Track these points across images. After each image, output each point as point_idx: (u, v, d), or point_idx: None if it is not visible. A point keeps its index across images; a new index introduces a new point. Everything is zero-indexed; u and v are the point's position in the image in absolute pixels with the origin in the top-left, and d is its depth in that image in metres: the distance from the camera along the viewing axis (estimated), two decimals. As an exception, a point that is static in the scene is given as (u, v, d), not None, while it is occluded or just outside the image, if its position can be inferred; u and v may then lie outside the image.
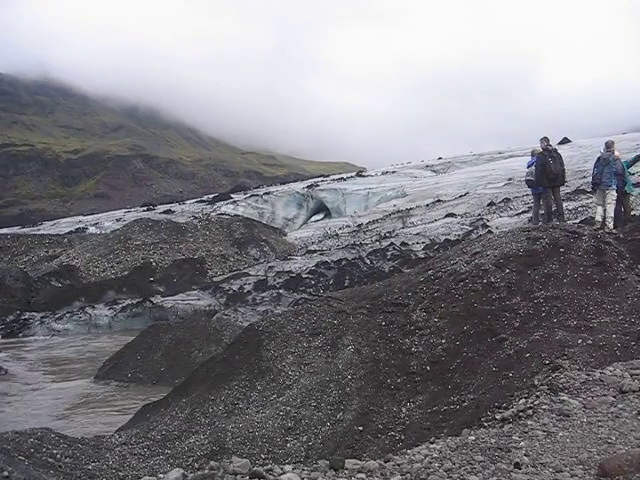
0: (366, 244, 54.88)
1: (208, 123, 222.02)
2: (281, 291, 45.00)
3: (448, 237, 52.59)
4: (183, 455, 15.00)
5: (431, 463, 7.97)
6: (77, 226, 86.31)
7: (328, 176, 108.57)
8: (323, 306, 18.66)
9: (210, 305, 44.40)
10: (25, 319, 44.22)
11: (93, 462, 14.82)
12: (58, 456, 14.51)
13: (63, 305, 46.46)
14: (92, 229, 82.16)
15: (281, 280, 47.42)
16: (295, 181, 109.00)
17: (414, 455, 8.41)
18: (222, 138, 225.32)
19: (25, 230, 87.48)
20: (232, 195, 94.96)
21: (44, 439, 14.97)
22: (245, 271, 52.28)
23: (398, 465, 7.99)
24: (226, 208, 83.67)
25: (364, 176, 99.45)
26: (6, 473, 9.12)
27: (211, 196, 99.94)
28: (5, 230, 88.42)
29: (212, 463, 7.74)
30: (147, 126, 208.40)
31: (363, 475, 7.62)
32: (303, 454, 14.21)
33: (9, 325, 43.64)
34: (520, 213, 55.26)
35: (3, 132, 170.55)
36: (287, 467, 7.74)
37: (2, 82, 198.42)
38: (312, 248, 60.32)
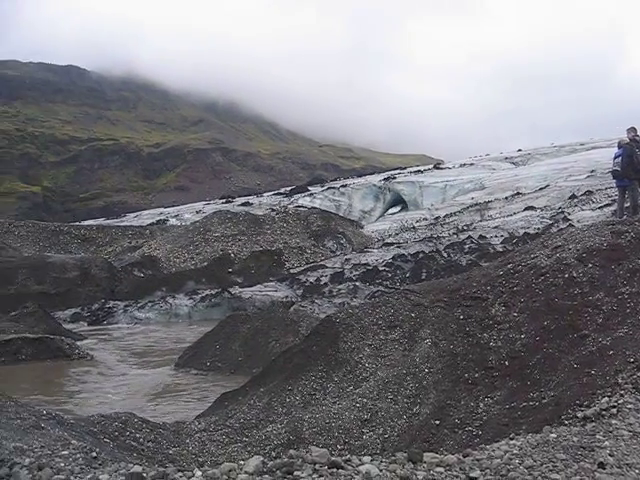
0: (443, 237, 54.32)
1: (286, 117, 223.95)
2: (357, 283, 45.04)
3: (527, 231, 51.52)
4: (260, 443, 15.23)
5: (511, 459, 7.85)
6: (158, 218, 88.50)
7: (405, 168, 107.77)
8: (400, 299, 18.57)
9: (287, 296, 44.84)
10: (109, 307, 45.71)
11: (174, 447, 15.22)
12: (141, 440, 14.96)
13: (145, 294, 47.78)
14: (173, 221, 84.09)
15: (358, 272, 47.45)
16: (372, 174, 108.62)
17: (493, 451, 8.30)
18: (300, 131, 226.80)
19: (109, 222, 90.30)
20: (309, 187, 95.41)
21: (128, 423, 15.46)
22: (322, 263, 52.54)
23: (477, 460, 7.90)
24: (303, 200, 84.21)
25: (441, 168, 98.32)
26: (94, 454, 9.47)
27: (288, 189, 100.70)
28: (91, 222, 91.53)
29: (291, 452, 7.84)
30: (226, 120, 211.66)
31: (442, 469, 7.56)
32: (379, 446, 14.22)
33: (94, 313, 45.21)
34: (603, 206, 53.62)
35: (89, 127, 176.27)
36: (365, 458, 7.76)
37: (89, 79, 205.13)
38: (389, 241, 60.09)
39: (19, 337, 31.11)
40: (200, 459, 14.45)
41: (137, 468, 7.78)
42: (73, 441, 10.20)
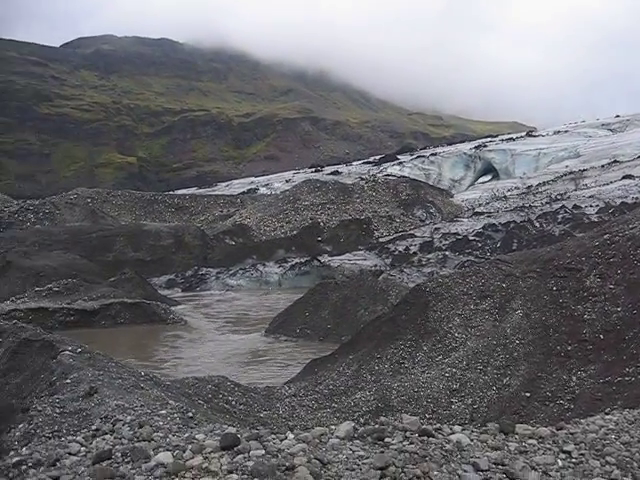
0: (535, 207, 52.97)
1: (375, 85, 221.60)
2: (447, 253, 44.60)
3: (625, 200, 49.61)
4: (349, 410, 15.43)
5: (607, 435, 7.67)
6: (249, 187, 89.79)
7: (496, 136, 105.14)
8: (491, 269, 18.30)
9: (376, 265, 44.86)
10: (202, 274, 46.95)
11: (265, 410, 15.62)
12: (233, 403, 15.43)
13: (236, 262, 48.79)
14: (263, 190, 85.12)
15: (447, 242, 46.95)
16: (462, 142, 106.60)
17: (588, 425, 8.13)
18: (389, 99, 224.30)
19: (202, 191, 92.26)
20: (398, 156, 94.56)
21: (221, 386, 15.96)
22: (411, 232, 52.21)
23: (571, 434, 7.76)
24: (392, 169, 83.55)
25: (534, 136, 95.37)
26: (190, 414, 9.84)
27: (377, 157, 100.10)
28: (184, 191, 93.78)
29: (382, 418, 7.91)
30: (315, 89, 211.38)
31: (534, 441, 7.47)
32: (468, 416, 14.16)
33: (188, 279, 46.55)
34: None
35: (181, 99, 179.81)
36: (456, 427, 7.74)
37: (181, 51, 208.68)
38: (479, 210, 59.07)
39: (118, 302, 32.44)
40: (290, 423, 14.77)
41: (231, 429, 8.03)
42: (170, 401, 10.62)
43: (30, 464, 7.83)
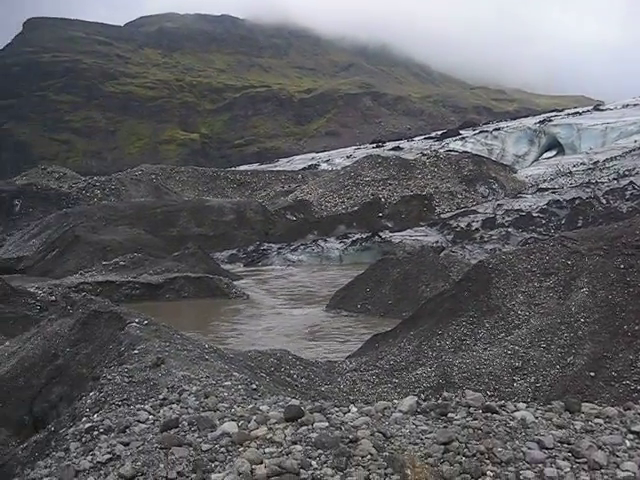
0: (602, 183, 51.58)
1: (437, 58, 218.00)
2: (510, 229, 43.94)
3: (699, 176, 47.93)
4: (410, 385, 15.43)
5: (678, 416, 7.50)
6: (310, 163, 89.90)
7: (562, 110, 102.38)
8: (556, 246, 17.95)
9: (437, 241, 44.54)
10: (264, 249, 47.42)
11: (326, 384, 15.76)
12: (295, 376, 15.61)
13: (297, 237, 49.08)
14: (324, 165, 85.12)
15: (510, 218, 46.22)
16: (526, 116, 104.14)
17: (657, 405, 7.95)
18: (451, 73, 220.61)
19: (263, 167, 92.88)
20: (460, 131, 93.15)
21: (282, 360, 16.16)
22: (473, 208, 51.57)
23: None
24: (454, 145, 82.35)
25: (602, 110, 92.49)
26: (254, 386, 10.02)
27: (439, 132, 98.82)
28: (245, 167, 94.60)
29: (445, 394, 7.91)
30: (376, 64, 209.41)
31: (601, 420, 7.36)
32: (530, 395, 14.00)
33: (250, 255, 47.09)
34: None
35: (243, 75, 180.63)
36: (520, 405, 7.69)
37: (242, 28, 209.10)
38: (543, 186, 57.87)
39: (182, 276, 33.10)
40: (351, 397, 14.86)
41: (295, 401, 8.16)
42: (235, 373, 10.82)
43: (101, 430, 8.13)
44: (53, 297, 26.65)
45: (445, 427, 6.91)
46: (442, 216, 52.57)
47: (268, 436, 6.99)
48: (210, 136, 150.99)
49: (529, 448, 6.68)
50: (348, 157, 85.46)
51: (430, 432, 6.80)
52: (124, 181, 67.44)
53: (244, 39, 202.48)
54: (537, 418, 7.29)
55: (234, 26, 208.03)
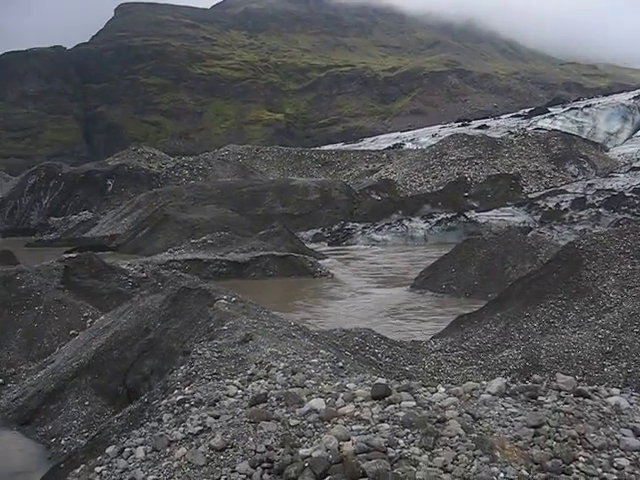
0: None
1: (524, 34, 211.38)
2: (601, 210, 42.52)
3: None
4: (495, 367, 15.20)
5: None
6: (395, 142, 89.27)
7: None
8: (652, 227, 17.29)
9: (524, 222, 43.57)
10: (348, 229, 47.53)
11: (410, 364, 15.71)
12: (379, 355, 15.62)
13: (382, 217, 48.96)
14: (409, 145, 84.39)
15: (601, 199, 44.73)
16: (620, 92, 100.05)
17: None
18: (539, 49, 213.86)
19: (347, 146, 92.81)
20: (549, 109, 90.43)
21: (367, 339, 16.19)
22: (562, 188, 50.22)
23: None
24: (543, 122, 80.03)
25: None
26: (340, 364, 10.09)
27: (527, 110, 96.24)
28: (330, 146, 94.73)
29: (535, 377, 7.76)
30: (462, 40, 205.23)
31: (700, 407, 7.07)
32: (621, 380, 13.57)
33: (334, 234, 47.31)
34: None
35: (327, 55, 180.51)
36: (614, 390, 7.46)
37: (327, 7, 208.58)
38: (637, 165, 55.69)
39: (267, 254, 33.57)
40: (435, 378, 14.77)
41: (381, 380, 8.17)
42: (321, 351, 10.92)
43: (192, 403, 8.38)
44: (144, 274, 27.51)
45: (535, 410, 6.78)
46: (530, 196, 51.39)
47: (355, 414, 7.04)
48: (295, 116, 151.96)
49: (623, 435, 6.48)
50: (433, 136, 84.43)
51: (520, 415, 6.69)
52: (211, 161, 68.83)
53: (329, 18, 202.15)
54: (632, 404, 7.06)
55: (318, 6, 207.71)
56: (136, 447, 7.66)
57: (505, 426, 6.54)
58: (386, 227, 46.29)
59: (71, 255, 30.45)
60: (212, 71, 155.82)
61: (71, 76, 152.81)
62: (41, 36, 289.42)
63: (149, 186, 61.34)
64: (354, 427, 6.77)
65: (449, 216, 45.82)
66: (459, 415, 6.69)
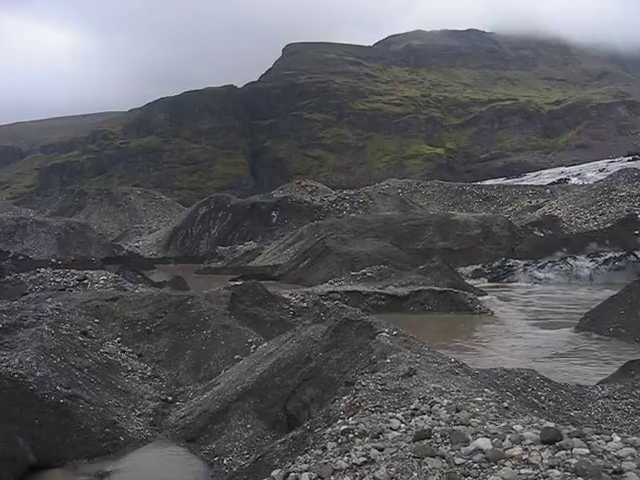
0: None
1: None
2: None
3: None
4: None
5: None
6: (559, 177, 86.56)
7: None
8: None
9: None
10: (509, 266, 46.26)
11: (575, 410, 14.98)
12: (542, 398, 15.04)
13: (545, 254, 47.27)
14: (574, 180, 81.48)
15: None
16: None
17: None
18: None
19: (509, 181, 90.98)
20: None
21: (529, 380, 15.64)
22: None
23: None
24: None
25: None
26: (505, 404, 9.85)
27: None
28: (491, 181, 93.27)
29: None
30: (633, 70, 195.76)
31: None
32: None
33: (495, 270, 46.20)
34: None
35: (489, 88, 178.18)
36: None
37: (489, 41, 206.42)
38: None
39: (427, 289, 33.34)
40: (603, 426, 14.00)
41: (550, 424, 7.90)
42: (486, 389, 10.71)
43: (356, 433, 8.50)
44: (305, 304, 28.21)
45: None
46: None
47: (524, 457, 6.86)
48: (455, 150, 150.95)
49: None
50: (600, 171, 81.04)
51: None
52: (372, 195, 69.70)
53: (490, 52, 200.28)
54: None
55: (480, 40, 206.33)
56: (301, 473, 7.86)
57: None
58: (549, 265, 44.63)
59: (237, 283, 31.93)
60: (374, 106, 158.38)
61: (240, 113, 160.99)
62: (214, 76, 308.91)
63: (311, 218, 62.98)
64: (522, 471, 6.60)
65: (617, 255, 43.46)
66: (637, 467, 6.34)
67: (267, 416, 14.59)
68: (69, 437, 13.59)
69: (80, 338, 17.93)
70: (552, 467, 6.55)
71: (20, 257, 50.95)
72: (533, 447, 7.01)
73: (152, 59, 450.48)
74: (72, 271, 34.04)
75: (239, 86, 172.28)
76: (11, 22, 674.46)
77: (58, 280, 31.91)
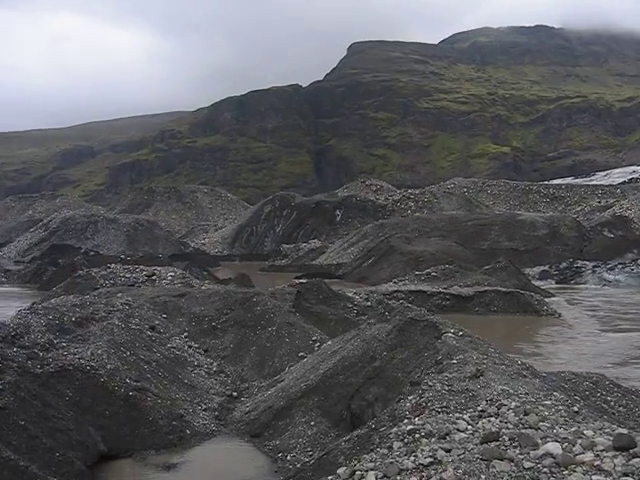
0: None
1: None
2: None
3: None
4: None
5: None
6: (630, 176, 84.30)
7: None
8: None
9: None
10: (577, 267, 45.27)
11: (647, 415, 14.54)
12: (612, 403, 14.64)
13: (615, 256, 46.13)
14: (646, 179, 79.15)
15: None
16: None
17: None
18: None
19: (578, 180, 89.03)
20: None
21: (598, 384, 15.25)
22: None
23: None
24: None
25: None
26: (575, 408, 9.65)
27: None
28: (559, 180, 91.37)
29: None
30: None
31: None
32: None
33: (562, 272, 45.27)
34: None
35: (557, 85, 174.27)
36: None
37: (558, 37, 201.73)
38: None
39: (492, 290, 32.87)
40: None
41: (623, 430, 7.70)
42: (555, 393, 10.50)
43: (423, 434, 8.46)
44: (369, 303, 28.14)
45: None
46: None
47: (595, 463, 6.71)
48: (522, 149, 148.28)
49: None
50: (676, 170, 78.40)
51: None
52: (436, 194, 69.13)
53: (559, 49, 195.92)
54: None
55: (549, 36, 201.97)
56: (367, 471, 7.87)
57: None
58: (619, 267, 43.46)
59: (301, 281, 32.12)
60: (439, 105, 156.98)
61: (305, 112, 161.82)
62: (281, 76, 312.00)
63: (375, 217, 62.91)
64: (594, 477, 6.47)
65: (692, 257, 42.10)
66: None
67: (330, 414, 14.61)
68: (137, 429, 13.91)
69: (149, 333, 18.32)
70: (626, 475, 6.39)
71: (91, 253, 52.50)
72: (605, 453, 6.85)
73: (221, 60, 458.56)
74: (141, 267, 34.92)
75: (304, 85, 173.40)
76: (91, 24, 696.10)
77: (128, 276, 32.76)
